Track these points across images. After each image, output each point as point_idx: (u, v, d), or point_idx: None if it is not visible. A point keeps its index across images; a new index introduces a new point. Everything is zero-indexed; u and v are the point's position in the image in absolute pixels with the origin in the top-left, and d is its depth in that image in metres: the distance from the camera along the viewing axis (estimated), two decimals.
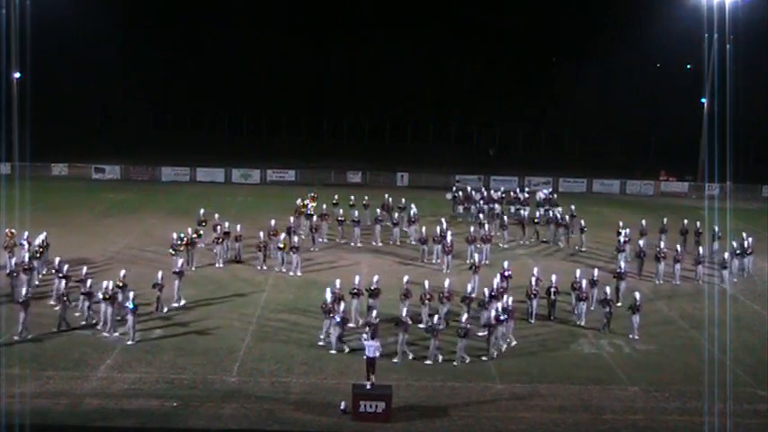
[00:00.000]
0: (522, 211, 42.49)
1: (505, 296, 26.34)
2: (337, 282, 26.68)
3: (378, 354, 21.89)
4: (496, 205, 42.83)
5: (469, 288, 27.75)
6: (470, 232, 36.80)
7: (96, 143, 70.86)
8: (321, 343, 25.14)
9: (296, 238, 34.67)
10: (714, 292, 32.25)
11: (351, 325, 25.94)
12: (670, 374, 24.23)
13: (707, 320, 28.44)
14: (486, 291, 27.10)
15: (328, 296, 25.33)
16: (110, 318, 25.50)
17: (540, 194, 45.95)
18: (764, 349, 26.61)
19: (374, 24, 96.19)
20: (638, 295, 26.93)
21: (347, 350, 24.64)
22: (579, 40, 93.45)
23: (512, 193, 46.43)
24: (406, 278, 28.18)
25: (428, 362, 24.02)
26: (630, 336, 26.72)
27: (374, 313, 24.87)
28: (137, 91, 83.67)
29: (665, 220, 39.12)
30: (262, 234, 34.23)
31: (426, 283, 27.57)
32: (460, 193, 45.57)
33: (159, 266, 33.42)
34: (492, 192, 46.13)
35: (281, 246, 33.44)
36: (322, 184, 57.96)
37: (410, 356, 24.22)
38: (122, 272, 27.87)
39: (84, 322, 26.13)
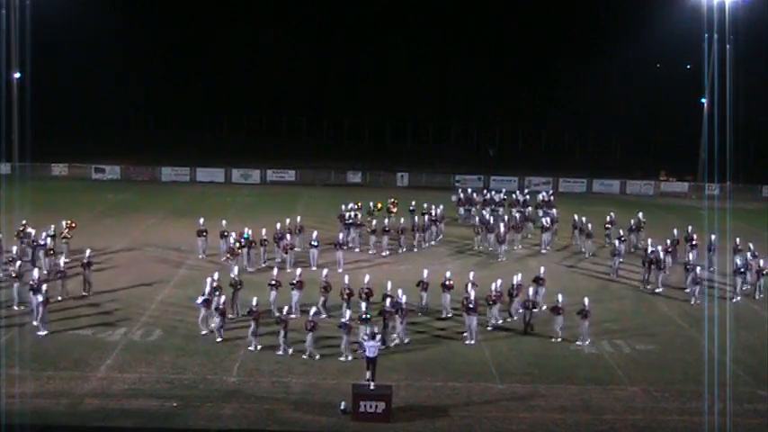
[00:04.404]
0: (521, 214, 42.39)
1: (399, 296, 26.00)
2: (216, 274, 27.22)
3: (377, 354, 21.90)
4: (500, 209, 42.90)
5: (424, 302, 27.84)
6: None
7: (96, 143, 70.85)
8: (204, 332, 25.57)
9: (341, 235, 34.97)
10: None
11: (230, 316, 26.57)
12: (670, 374, 24.23)
13: (707, 320, 28.43)
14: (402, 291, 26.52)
15: (207, 287, 25.95)
16: (34, 307, 25.65)
17: (539, 196, 45.85)
18: (764, 349, 26.61)
19: (375, 25, 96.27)
20: (586, 300, 26.43)
21: (220, 339, 25.10)
22: (579, 41, 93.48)
23: (512, 196, 46.36)
24: (324, 272, 28.53)
25: (341, 358, 24.03)
26: (579, 342, 26.12)
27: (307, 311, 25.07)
28: (136, 91, 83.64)
29: (676, 231, 37.43)
30: (289, 236, 34.21)
31: (346, 278, 27.61)
32: (462, 195, 45.62)
33: (158, 266, 33.64)
34: (493, 193, 46.18)
35: (315, 243, 33.37)
36: (322, 185, 58.20)
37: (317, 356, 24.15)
38: (35, 270, 27.86)
39: None
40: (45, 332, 25.18)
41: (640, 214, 40.73)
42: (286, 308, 25.03)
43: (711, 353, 25.62)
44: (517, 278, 28.60)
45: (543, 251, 38.47)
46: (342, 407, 20.76)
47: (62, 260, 29.52)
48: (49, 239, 32.40)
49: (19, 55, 57.32)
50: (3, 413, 19.97)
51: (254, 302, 24.96)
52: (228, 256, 32.07)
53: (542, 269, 30.20)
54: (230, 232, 34.10)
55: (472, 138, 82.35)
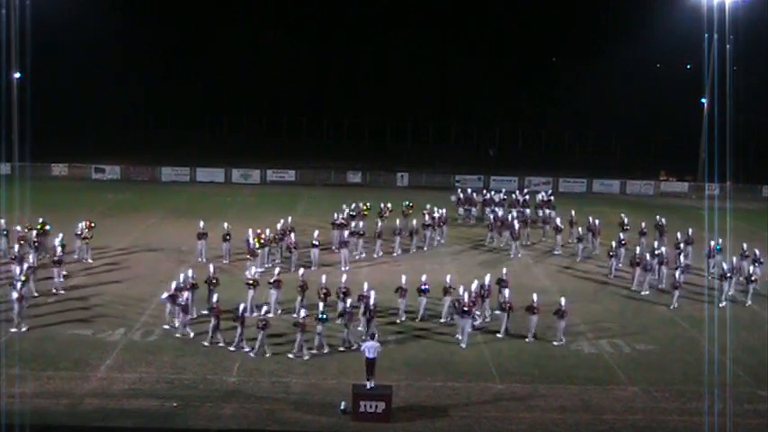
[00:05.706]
0: (521, 213, 42.37)
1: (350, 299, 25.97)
2: (189, 271, 27.50)
3: (377, 354, 21.88)
4: (500, 209, 42.91)
5: (402, 307, 27.77)
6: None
7: (96, 143, 70.85)
8: (166, 327, 25.89)
9: (346, 233, 34.97)
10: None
11: (204, 312, 26.66)
12: (670, 374, 24.24)
13: (707, 321, 28.44)
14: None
15: (173, 284, 26.22)
16: (15, 307, 25.72)
17: (539, 196, 45.76)
18: (764, 350, 26.62)
19: (375, 25, 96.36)
20: (563, 300, 26.39)
21: (192, 335, 25.27)
22: (579, 41, 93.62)
23: (512, 196, 46.32)
24: (301, 271, 28.78)
25: (290, 355, 24.05)
26: (556, 342, 26.10)
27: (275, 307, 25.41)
28: (136, 91, 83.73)
29: (679, 235, 37.01)
30: (293, 235, 34.24)
31: (324, 277, 27.58)
32: (462, 195, 45.59)
33: (158, 266, 33.63)
34: (493, 193, 46.15)
35: (315, 242, 33.46)
36: (322, 185, 58.21)
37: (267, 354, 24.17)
38: (16, 267, 27.93)
39: None
40: (15, 329, 25.24)
41: (663, 219, 40.08)
42: (242, 305, 25.06)
43: (711, 353, 25.63)
44: (487, 279, 28.40)
45: (556, 252, 38.48)
46: (342, 407, 20.76)
47: (32, 256, 29.57)
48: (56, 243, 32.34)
49: (19, 55, 57.31)
50: (3, 413, 19.97)
51: (215, 299, 25.15)
52: (249, 257, 32.21)
53: (504, 270, 29.98)
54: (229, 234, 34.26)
55: (472, 138, 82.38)
